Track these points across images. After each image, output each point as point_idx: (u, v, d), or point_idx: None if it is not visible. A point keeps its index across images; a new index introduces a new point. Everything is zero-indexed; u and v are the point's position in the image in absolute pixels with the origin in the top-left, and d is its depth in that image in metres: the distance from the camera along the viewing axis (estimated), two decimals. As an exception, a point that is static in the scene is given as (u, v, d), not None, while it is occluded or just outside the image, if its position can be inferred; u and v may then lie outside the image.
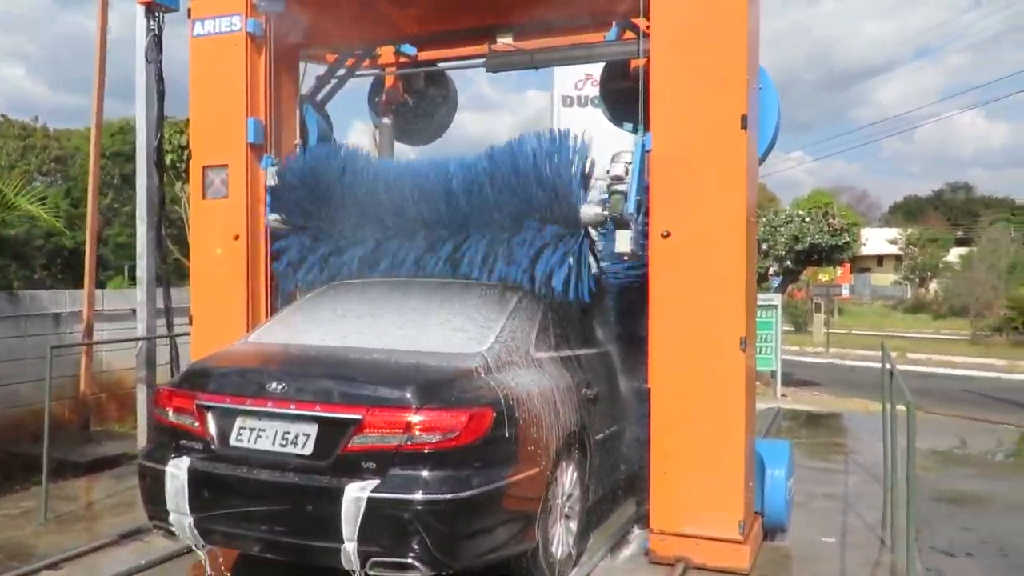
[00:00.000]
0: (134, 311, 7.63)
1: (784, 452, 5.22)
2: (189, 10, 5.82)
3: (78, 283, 12.50)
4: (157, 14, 6.15)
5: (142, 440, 6.96)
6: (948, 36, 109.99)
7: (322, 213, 5.46)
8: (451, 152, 5.72)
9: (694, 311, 4.60)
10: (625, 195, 4.77)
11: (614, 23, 5.89)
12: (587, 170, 4.86)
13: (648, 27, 4.82)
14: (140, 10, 6.18)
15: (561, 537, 4.47)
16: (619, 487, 5.66)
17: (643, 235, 4.80)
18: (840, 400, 13.16)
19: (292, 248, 5.60)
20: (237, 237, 5.71)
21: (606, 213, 4.77)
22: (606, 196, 4.87)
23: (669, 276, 4.65)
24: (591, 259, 4.90)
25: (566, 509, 4.55)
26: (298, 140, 6.16)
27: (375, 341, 4.42)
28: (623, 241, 4.77)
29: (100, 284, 12.38)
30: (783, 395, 13.15)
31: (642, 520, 5.05)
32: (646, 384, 4.75)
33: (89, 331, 8.10)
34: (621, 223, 4.79)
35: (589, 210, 4.77)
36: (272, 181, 5.70)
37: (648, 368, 4.74)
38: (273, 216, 5.71)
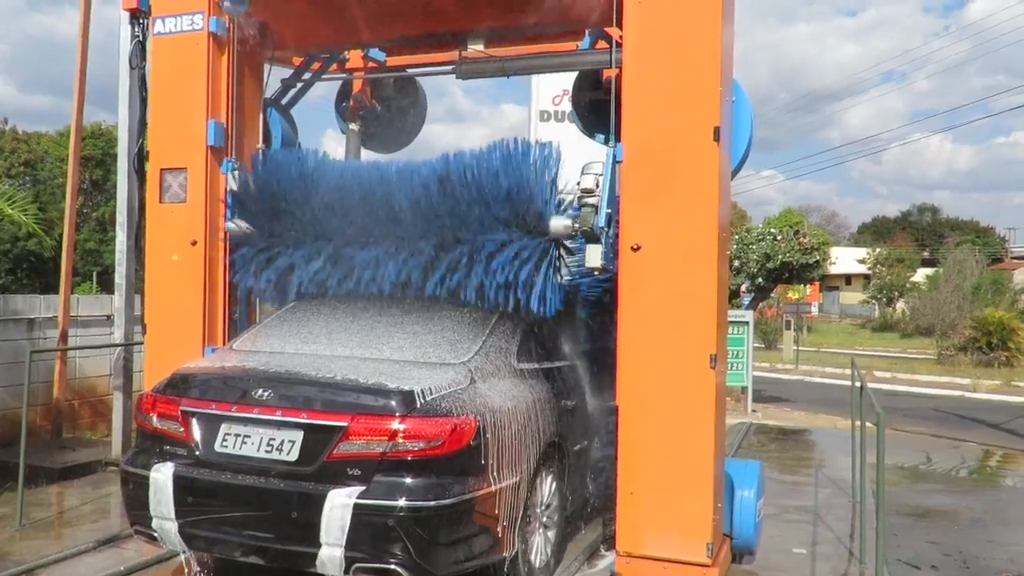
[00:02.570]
0: (108, 317, 7.60)
1: (754, 472, 5.11)
2: (150, 7, 5.65)
3: (44, 288, 12.21)
4: (141, 20, 6.02)
5: (117, 447, 6.91)
6: (915, 61, 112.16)
7: (283, 219, 5.27)
8: (419, 156, 5.59)
9: (663, 327, 4.47)
10: (595, 208, 4.65)
11: (587, 32, 5.80)
12: (556, 180, 4.75)
13: (621, 37, 4.72)
14: (124, 16, 6.05)
15: (540, 545, 4.57)
16: (595, 500, 5.57)
17: (614, 249, 4.68)
18: (810, 416, 13.27)
19: (251, 255, 5.40)
20: (195, 243, 5.51)
21: (576, 225, 4.64)
22: (576, 208, 4.76)
23: (639, 290, 4.53)
24: (559, 272, 4.77)
25: (544, 518, 4.64)
26: (261, 144, 5.98)
27: (360, 350, 4.49)
28: (594, 255, 4.64)
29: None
30: (754, 411, 13.21)
31: (609, 541, 4.92)
32: (614, 401, 4.62)
33: (64, 337, 8.02)
34: (592, 236, 4.66)
35: (558, 222, 4.63)
36: (233, 186, 5.52)
37: (616, 384, 4.61)
38: (233, 222, 5.51)
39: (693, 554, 4.40)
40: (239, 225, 5.42)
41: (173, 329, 5.59)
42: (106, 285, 14.66)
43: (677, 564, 4.42)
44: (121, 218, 6.35)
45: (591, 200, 4.65)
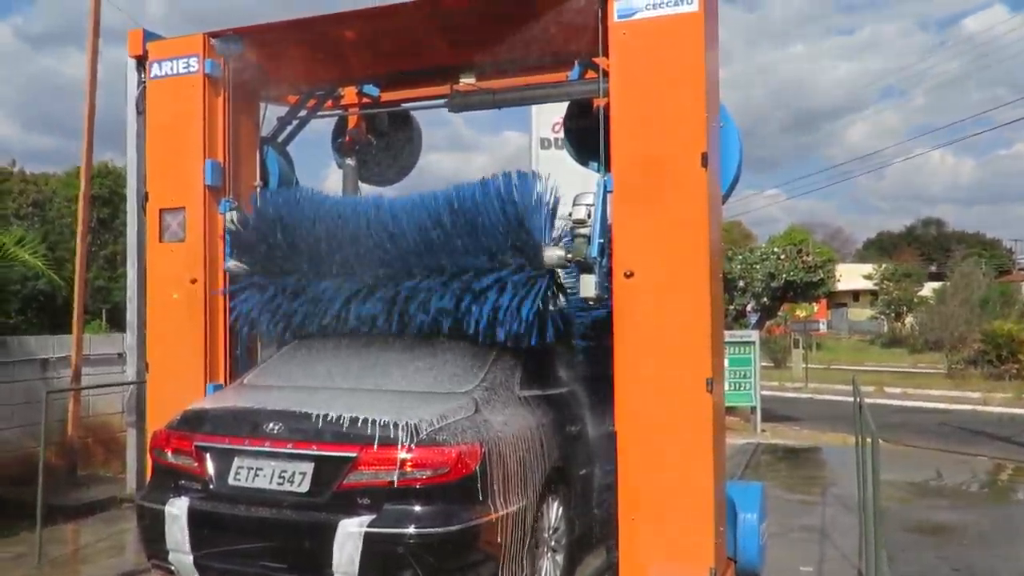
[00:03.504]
0: (119, 355, 7.74)
1: (756, 495, 5.10)
2: (146, 52, 5.75)
3: (53, 327, 12.34)
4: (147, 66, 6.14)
5: (131, 483, 6.98)
6: (913, 77, 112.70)
7: (281, 257, 5.32)
8: (416, 189, 5.65)
9: (658, 352, 4.48)
10: (588, 238, 4.68)
11: (576, 62, 5.87)
12: (552, 212, 4.80)
13: (608, 66, 4.79)
14: (131, 63, 6.17)
15: (548, 570, 4.64)
16: (599, 526, 5.56)
17: (607, 278, 4.71)
18: (819, 434, 13.22)
19: (251, 294, 5.45)
20: (195, 281, 5.57)
21: (570, 256, 4.68)
22: (570, 238, 4.80)
23: (633, 316, 4.55)
24: (554, 302, 4.80)
25: (552, 542, 4.71)
26: (258, 182, 6.06)
27: (366, 383, 4.64)
28: (587, 286, 4.68)
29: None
30: (763, 430, 13.16)
31: (613, 568, 4.90)
32: (612, 427, 4.63)
33: (77, 376, 8.18)
34: (585, 267, 4.70)
35: (552, 253, 4.68)
36: (231, 225, 5.58)
37: (614, 411, 4.62)
38: (232, 262, 5.57)
39: (696, 579, 4.37)
40: (238, 265, 5.48)
41: (175, 367, 5.63)
42: (115, 322, 14.75)
43: (680, 590, 4.40)
44: (131, 257, 6.49)
45: (583, 231, 4.69)
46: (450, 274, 4.83)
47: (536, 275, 4.70)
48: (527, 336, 4.64)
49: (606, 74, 4.88)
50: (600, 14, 4.75)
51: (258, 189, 5.99)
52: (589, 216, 4.73)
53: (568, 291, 5.17)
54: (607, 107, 4.78)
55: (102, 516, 7.10)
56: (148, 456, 4.65)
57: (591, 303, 4.82)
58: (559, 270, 4.85)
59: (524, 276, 4.69)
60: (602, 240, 4.69)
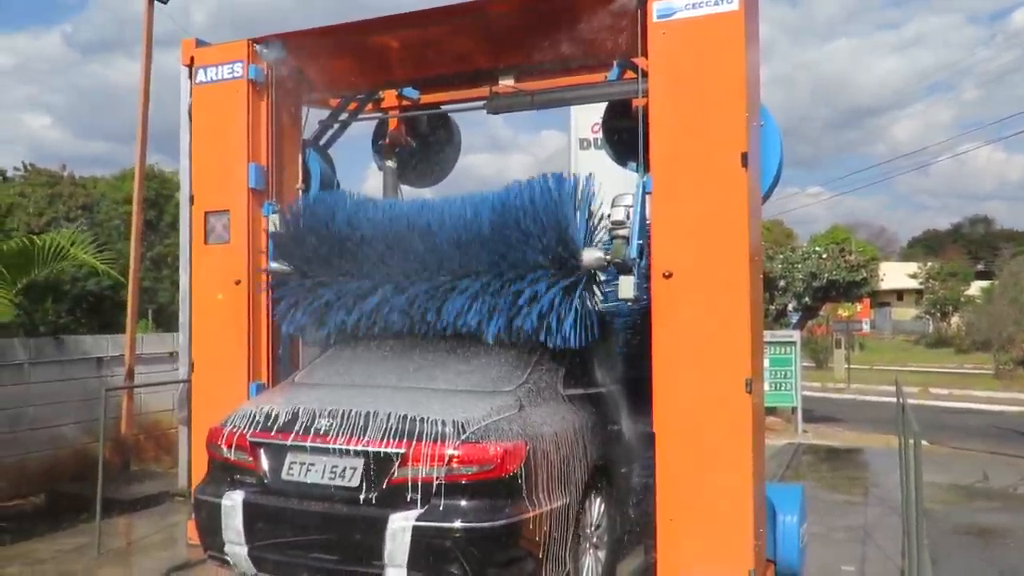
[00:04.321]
0: (170, 354, 7.92)
1: (796, 497, 5.06)
2: (192, 58, 5.88)
3: (102, 326, 12.70)
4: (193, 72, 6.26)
5: (183, 479, 7.18)
6: (961, 72, 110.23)
7: (323, 260, 5.40)
8: (453, 192, 5.69)
9: (697, 352, 4.48)
10: (627, 239, 4.69)
11: (615, 63, 5.88)
12: (590, 213, 4.81)
13: (647, 66, 4.79)
14: (183, 72, 6.32)
15: (591, 566, 4.71)
16: (639, 525, 5.58)
17: (646, 279, 4.70)
18: (861, 436, 13.05)
19: (293, 295, 5.53)
20: (239, 282, 5.69)
21: (608, 258, 4.69)
22: (609, 240, 4.81)
23: (671, 317, 4.54)
24: (592, 303, 4.81)
25: (594, 539, 4.78)
26: (301, 184, 6.16)
27: (414, 381, 4.76)
28: (626, 287, 4.68)
29: (124, 329, 12.66)
30: (804, 431, 13.02)
31: (650, 568, 4.90)
32: (651, 427, 4.64)
33: (131, 374, 8.43)
34: (624, 268, 4.70)
35: (591, 255, 4.70)
36: (274, 228, 5.68)
37: (652, 412, 4.62)
38: (275, 264, 5.67)
39: (735, 581, 4.35)
40: (281, 265, 5.59)
41: (219, 366, 5.76)
42: (161, 322, 15.10)
43: (720, 591, 4.39)
44: (184, 259, 6.63)
45: (622, 232, 4.70)
46: (490, 277, 4.86)
47: (576, 278, 4.71)
48: (568, 338, 4.65)
49: (645, 75, 4.88)
50: (639, 14, 4.76)
51: (300, 191, 6.10)
52: (628, 217, 4.74)
53: (607, 292, 5.17)
54: (646, 108, 4.78)
55: (155, 510, 7.34)
56: (205, 451, 4.77)
57: (630, 304, 4.82)
58: (598, 272, 4.86)
59: (564, 278, 4.70)
60: (641, 241, 4.70)
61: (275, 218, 5.71)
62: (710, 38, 4.54)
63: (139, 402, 8.87)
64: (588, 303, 4.78)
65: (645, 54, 4.78)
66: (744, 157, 4.42)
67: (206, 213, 5.82)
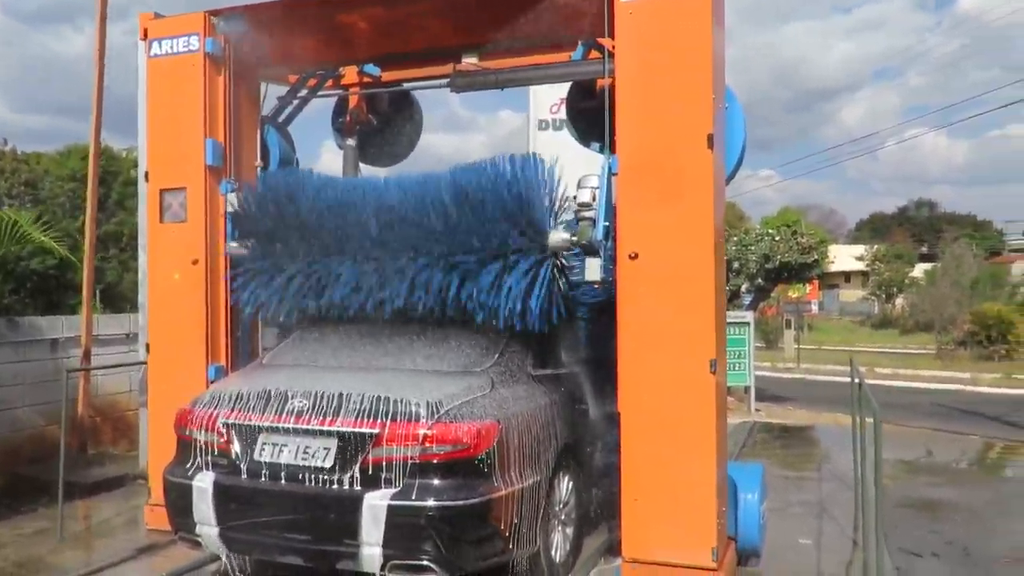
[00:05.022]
0: (127, 336, 7.67)
1: (756, 475, 5.15)
2: (145, 30, 5.69)
3: (47, 306, 12.32)
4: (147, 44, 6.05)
5: (143, 461, 7.04)
6: (910, 58, 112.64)
7: (282, 240, 5.28)
8: (416, 170, 5.61)
9: (662, 333, 4.51)
10: (593, 221, 4.68)
11: (580, 42, 5.84)
12: (556, 195, 4.79)
13: (613, 47, 4.77)
14: (141, 46, 6.10)
15: (559, 542, 4.80)
16: (604, 504, 5.63)
17: (612, 261, 4.72)
18: (812, 414, 13.35)
19: (252, 276, 5.41)
20: (196, 262, 5.56)
21: (574, 239, 4.68)
22: (574, 221, 4.79)
23: (637, 298, 4.56)
24: (558, 285, 4.80)
25: (563, 516, 4.87)
26: (259, 162, 6.03)
27: (386, 362, 4.76)
28: (593, 269, 4.69)
29: (72, 310, 12.30)
30: (757, 410, 13.28)
31: (615, 547, 4.95)
32: (611, 411, 4.67)
33: (87, 356, 8.24)
34: (590, 250, 4.70)
35: (557, 236, 4.68)
36: (232, 207, 5.55)
37: (617, 392, 4.65)
38: (233, 243, 5.54)
39: (698, 559, 4.42)
40: (239, 246, 5.46)
41: (176, 348, 5.63)
42: (109, 302, 14.70)
43: (682, 569, 4.44)
44: (142, 239, 6.49)
45: (588, 213, 4.70)
46: (454, 257, 4.82)
47: (541, 259, 4.69)
48: (533, 320, 4.64)
49: (611, 55, 4.85)
50: (606, -6, 4.72)
51: (259, 169, 5.97)
52: (594, 199, 4.73)
53: (574, 273, 5.16)
54: (611, 88, 4.77)
55: (116, 493, 7.22)
56: (171, 433, 4.72)
57: (596, 286, 4.82)
58: (564, 252, 4.85)
59: (529, 260, 4.68)
60: (607, 223, 4.69)
61: (233, 197, 5.58)
62: (677, 20, 4.54)
63: (95, 384, 8.68)
64: (554, 285, 4.77)
65: (611, 35, 4.75)
66: (710, 139, 4.44)
67: (161, 191, 5.66)
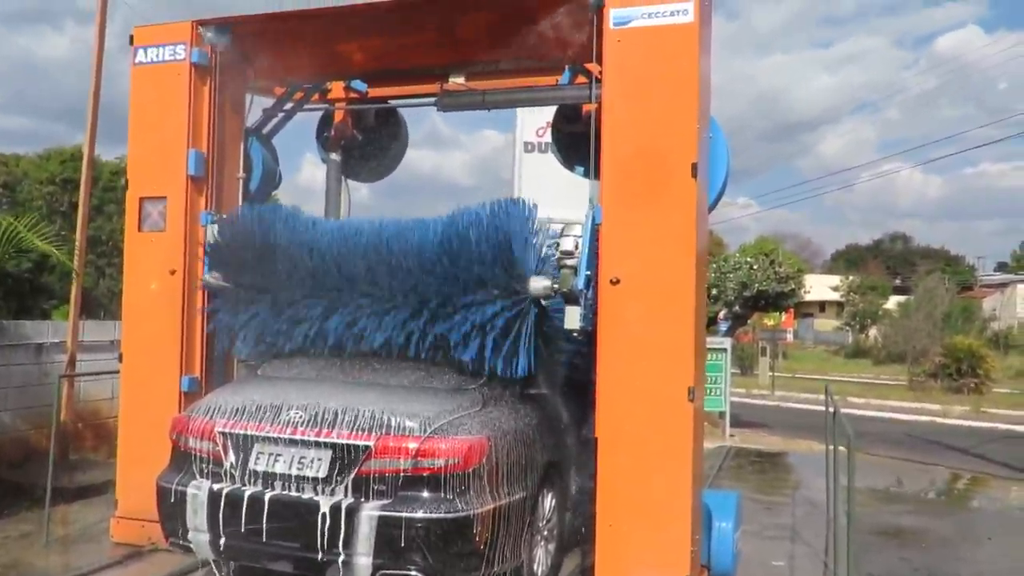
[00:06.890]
0: (112, 342, 7.63)
1: (731, 503, 5.15)
2: (131, 37, 5.66)
3: (19, 310, 12.14)
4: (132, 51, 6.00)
5: None
6: (888, 94, 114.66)
7: (261, 276, 5.17)
8: (399, 212, 5.53)
9: (642, 359, 4.52)
10: (575, 270, 4.66)
11: (567, 67, 5.89)
12: (538, 241, 4.77)
13: (600, 72, 4.80)
14: (131, 52, 6.04)
15: (542, 558, 4.87)
16: (579, 527, 5.60)
17: (592, 310, 4.69)
18: (786, 441, 13.41)
19: (229, 310, 5.32)
20: (174, 272, 5.51)
21: (556, 286, 4.63)
22: (556, 268, 4.75)
23: (617, 323, 4.57)
24: (540, 329, 4.75)
25: (546, 532, 4.94)
26: (242, 173, 5.99)
27: (381, 377, 4.84)
28: (572, 318, 4.66)
29: (45, 314, 12.13)
30: (732, 435, 13.32)
31: (588, 571, 4.93)
32: (593, 434, 4.65)
33: (72, 362, 8.19)
34: (571, 298, 4.66)
35: (539, 283, 4.62)
36: (212, 239, 5.43)
37: (595, 417, 4.64)
38: (210, 276, 5.40)
39: (671, 586, 4.40)
40: (216, 278, 5.35)
41: (150, 359, 5.56)
42: (84, 308, 14.51)
43: (655, 596, 4.43)
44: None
45: (570, 262, 4.65)
46: (435, 303, 4.75)
47: (522, 305, 4.63)
48: (509, 366, 4.62)
49: (598, 80, 4.89)
50: (595, 20, 4.76)
51: (241, 180, 5.93)
52: (577, 247, 4.70)
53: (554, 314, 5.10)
54: (597, 113, 4.80)
55: (101, 498, 7.13)
56: (170, 440, 4.70)
57: (575, 335, 4.78)
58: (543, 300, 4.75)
59: (510, 306, 4.61)
60: (589, 272, 4.67)
61: (213, 229, 5.48)
62: (665, 48, 4.59)
63: (78, 390, 8.61)
64: (534, 330, 4.70)
65: (599, 60, 4.79)
66: (694, 167, 4.48)
67: (141, 199, 5.61)
